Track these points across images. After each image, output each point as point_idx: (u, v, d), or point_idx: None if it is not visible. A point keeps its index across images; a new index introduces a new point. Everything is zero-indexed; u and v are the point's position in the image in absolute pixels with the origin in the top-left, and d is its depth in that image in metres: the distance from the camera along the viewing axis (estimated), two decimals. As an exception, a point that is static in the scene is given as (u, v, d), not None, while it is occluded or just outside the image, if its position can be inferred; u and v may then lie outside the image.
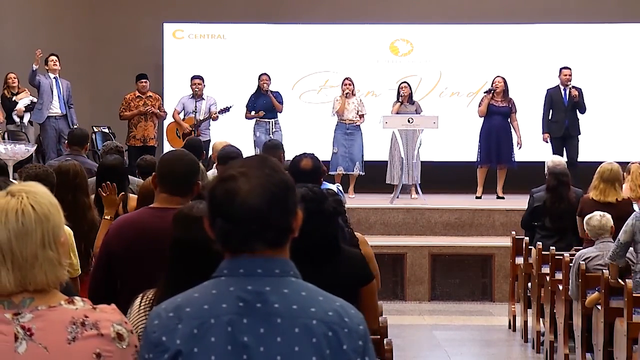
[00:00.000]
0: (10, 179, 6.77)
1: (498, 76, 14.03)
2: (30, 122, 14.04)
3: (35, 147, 13.05)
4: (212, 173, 8.04)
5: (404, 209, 12.82)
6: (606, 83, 15.61)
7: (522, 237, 9.91)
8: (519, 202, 11.63)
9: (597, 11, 16.19)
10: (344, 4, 16.52)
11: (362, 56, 16.09)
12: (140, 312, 3.47)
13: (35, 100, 13.88)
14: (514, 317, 10.18)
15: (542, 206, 9.32)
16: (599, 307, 7.44)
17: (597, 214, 7.96)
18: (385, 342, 4.92)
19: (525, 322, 9.72)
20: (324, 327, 2.22)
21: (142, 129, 14.18)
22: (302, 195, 4.26)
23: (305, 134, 14.84)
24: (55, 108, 13.75)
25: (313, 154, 5.59)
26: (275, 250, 2.27)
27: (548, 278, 8.71)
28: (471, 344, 9.88)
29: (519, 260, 9.90)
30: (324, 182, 6.16)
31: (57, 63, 13.87)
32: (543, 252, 8.86)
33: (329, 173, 13.16)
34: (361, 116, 14.05)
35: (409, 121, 13.12)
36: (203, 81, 14.43)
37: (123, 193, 6.60)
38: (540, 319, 9.19)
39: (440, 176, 14.54)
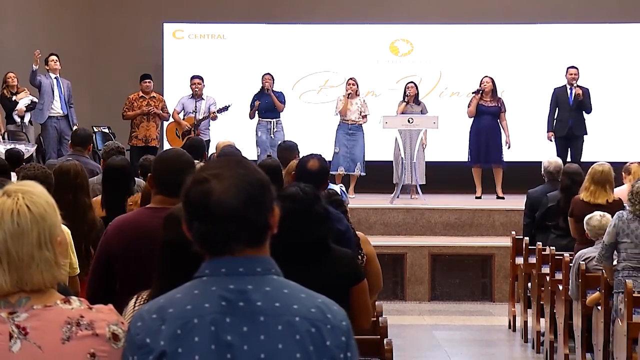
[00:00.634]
0: (11, 179, 6.77)
1: (486, 76, 14.04)
2: (30, 122, 14.03)
3: (35, 147, 13.06)
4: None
5: (404, 209, 12.82)
6: (606, 83, 15.59)
7: (522, 237, 9.92)
8: (519, 202, 11.61)
9: (597, 11, 16.18)
10: (344, 4, 16.51)
11: (362, 56, 16.09)
12: (134, 313, 3.47)
13: (35, 99, 13.85)
14: (514, 317, 10.18)
15: (556, 206, 9.27)
16: (599, 307, 7.44)
17: (597, 214, 7.96)
18: (385, 342, 4.93)
19: (525, 322, 9.71)
20: (307, 324, 2.23)
21: (144, 129, 14.17)
22: (292, 194, 4.27)
23: (305, 134, 14.83)
24: (57, 108, 13.72)
25: (320, 155, 5.60)
26: (255, 249, 2.28)
27: (548, 278, 8.71)
28: (471, 344, 9.88)
29: (519, 260, 9.90)
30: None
31: (58, 63, 13.85)
32: (556, 253, 8.79)
33: (330, 173, 13.15)
34: (364, 117, 14.05)
35: (409, 121, 13.12)
36: (203, 81, 14.44)
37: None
38: (540, 319, 9.19)
39: (440, 176, 14.54)
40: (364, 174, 14.06)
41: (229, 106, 14.24)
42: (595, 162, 8.94)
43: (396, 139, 13.53)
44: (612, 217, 7.56)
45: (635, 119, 15.89)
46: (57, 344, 2.38)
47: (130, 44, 16.43)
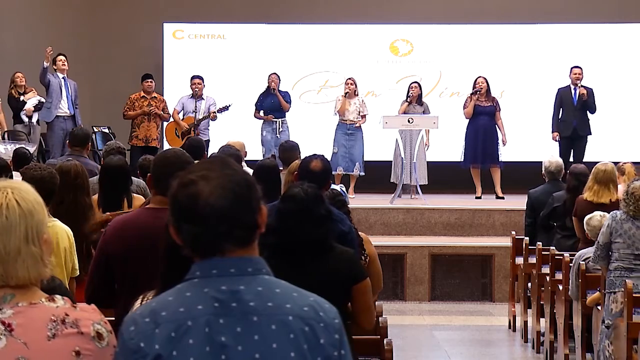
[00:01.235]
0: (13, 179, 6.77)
1: (480, 76, 14.03)
2: (37, 121, 14.01)
3: (35, 147, 13.03)
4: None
5: (404, 209, 12.82)
6: (606, 83, 15.58)
7: (522, 237, 9.92)
8: (519, 202, 11.63)
9: (598, 11, 16.19)
10: (344, 4, 16.52)
11: (362, 56, 16.10)
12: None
13: (42, 100, 13.83)
14: (514, 317, 10.18)
15: (562, 206, 9.27)
16: (599, 307, 7.44)
17: (597, 214, 7.95)
18: (385, 342, 4.93)
19: (525, 322, 9.72)
20: (300, 323, 2.23)
21: (144, 129, 14.17)
22: (294, 195, 4.29)
23: (305, 134, 14.82)
24: (64, 108, 13.69)
25: (323, 156, 5.60)
26: (245, 249, 2.28)
27: (548, 278, 8.71)
28: (471, 344, 9.88)
29: (519, 260, 9.90)
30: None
31: (66, 63, 13.83)
32: (556, 253, 8.80)
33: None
34: (363, 117, 14.05)
35: (409, 121, 13.12)
36: (203, 81, 14.44)
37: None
38: (540, 319, 9.19)
39: (441, 176, 14.54)
40: (363, 173, 14.06)
41: (228, 106, 14.24)
42: (598, 162, 8.94)
43: (397, 139, 13.53)
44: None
45: (636, 119, 15.90)
46: (43, 341, 2.39)
47: (130, 44, 16.43)
